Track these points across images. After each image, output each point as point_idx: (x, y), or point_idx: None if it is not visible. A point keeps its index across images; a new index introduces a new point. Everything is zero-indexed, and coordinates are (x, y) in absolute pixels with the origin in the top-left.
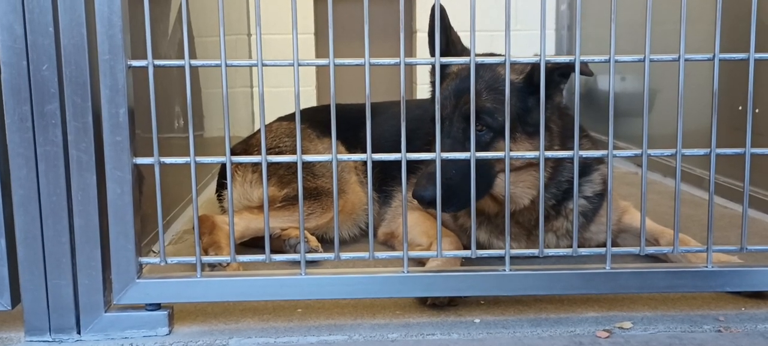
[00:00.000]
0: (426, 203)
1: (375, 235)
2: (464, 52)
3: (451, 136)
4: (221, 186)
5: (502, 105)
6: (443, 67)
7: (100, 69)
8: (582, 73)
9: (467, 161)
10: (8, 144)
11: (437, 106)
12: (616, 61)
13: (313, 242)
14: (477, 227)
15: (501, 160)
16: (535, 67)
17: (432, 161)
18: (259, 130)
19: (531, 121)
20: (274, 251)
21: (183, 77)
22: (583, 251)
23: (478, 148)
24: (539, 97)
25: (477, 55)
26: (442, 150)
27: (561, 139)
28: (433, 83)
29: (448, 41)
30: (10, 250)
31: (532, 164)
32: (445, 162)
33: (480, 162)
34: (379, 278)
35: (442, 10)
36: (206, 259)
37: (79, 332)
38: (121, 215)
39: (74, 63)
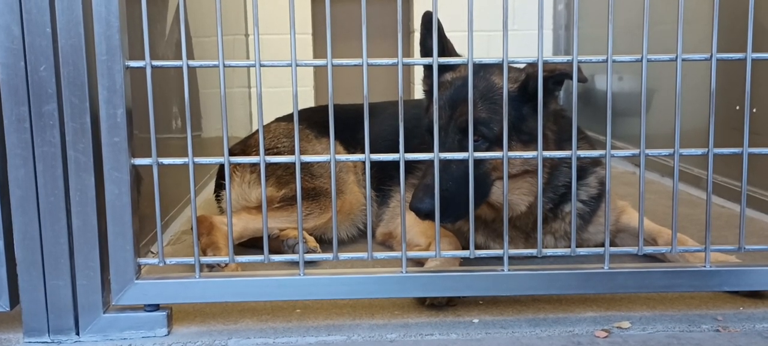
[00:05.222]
0: (423, 215)
1: (373, 235)
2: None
3: (447, 146)
4: (219, 186)
5: (497, 114)
6: (438, 74)
7: (97, 70)
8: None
9: (463, 172)
10: (6, 145)
11: (435, 106)
12: (614, 61)
13: (312, 242)
14: (474, 230)
15: (498, 169)
16: (529, 76)
17: (429, 172)
18: (257, 131)
19: (526, 129)
20: (272, 251)
21: (180, 78)
22: (582, 250)
23: (474, 159)
24: (533, 106)
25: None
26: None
27: (557, 144)
28: (426, 92)
29: (443, 49)
30: (8, 251)
31: (529, 172)
32: (441, 174)
33: (477, 171)
34: (378, 278)
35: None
36: (205, 259)
37: (77, 333)
38: (120, 216)
39: (72, 64)
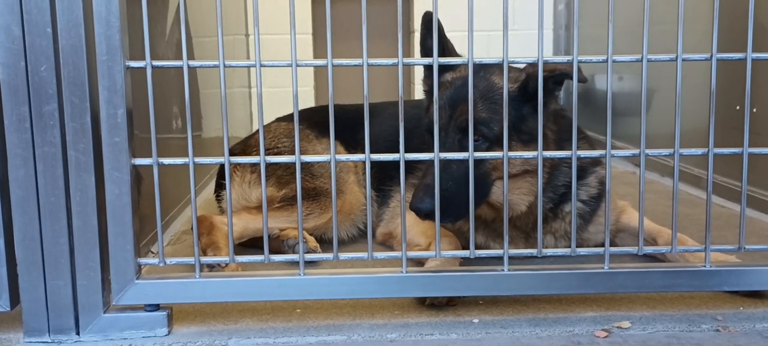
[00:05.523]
0: (423, 215)
1: (373, 235)
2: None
3: (447, 146)
4: (220, 186)
5: (497, 114)
6: (438, 74)
7: (98, 70)
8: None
9: (463, 172)
10: (7, 145)
11: (436, 107)
12: (614, 61)
13: (312, 242)
14: (474, 230)
15: (498, 169)
16: (529, 76)
17: (429, 172)
18: (257, 131)
19: (526, 129)
20: (272, 251)
21: (181, 78)
22: (582, 250)
23: (474, 159)
24: (533, 106)
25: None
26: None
27: (557, 144)
28: (426, 92)
29: (443, 49)
30: (8, 251)
31: (529, 171)
32: (441, 174)
33: (477, 171)
34: (378, 278)
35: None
36: (205, 259)
37: (78, 333)
38: (120, 216)
39: (72, 64)
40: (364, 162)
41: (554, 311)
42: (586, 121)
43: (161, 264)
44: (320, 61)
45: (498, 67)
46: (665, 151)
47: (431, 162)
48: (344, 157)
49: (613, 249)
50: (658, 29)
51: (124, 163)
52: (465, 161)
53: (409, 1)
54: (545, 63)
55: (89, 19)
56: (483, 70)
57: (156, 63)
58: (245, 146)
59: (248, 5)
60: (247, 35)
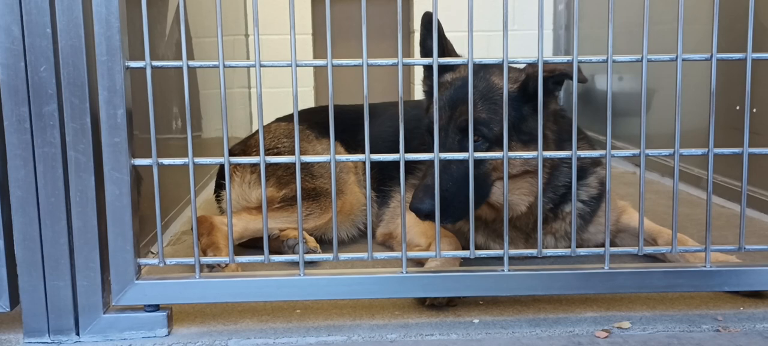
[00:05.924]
0: (423, 216)
1: (373, 235)
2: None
3: (447, 147)
4: (220, 187)
5: (497, 114)
6: (438, 74)
7: (98, 70)
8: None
9: (463, 172)
10: (6, 145)
11: (436, 107)
12: (614, 61)
13: (312, 242)
14: (474, 231)
15: (498, 169)
16: (529, 76)
17: (429, 173)
18: (257, 131)
19: (526, 129)
20: (272, 251)
21: (181, 78)
22: (582, 251)
23: (474, 159)
24: (533, 106)
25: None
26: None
27: (557, 144)
28: (426, 93)
29: (442, 49)
30: (8, 251)
31: (529, 172)
32: (441, 174)
33: (477, 172)
34: (378, 278)
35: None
36: (205, 260)
37: (77, 334)
38: (120, 217)
39: (72, 64)
40: (364, 162)
41: (554, 311)
42: (586, 121)
43: (161, 265)
44: (320, 62)
45: (498, 67)
46: (665, 152)
47: (431, 162)
48: (344, 157)
49: (614, 249)
50: (658, 29)
51: (124, 164)
52: (465, 162)
53: (409, 1)
54: (545, 63)
55: (89, 20)
56: (483, 70)
57: (156, 63)
58: (245, 147)
59: (248, 5)
60: (246, 35)
